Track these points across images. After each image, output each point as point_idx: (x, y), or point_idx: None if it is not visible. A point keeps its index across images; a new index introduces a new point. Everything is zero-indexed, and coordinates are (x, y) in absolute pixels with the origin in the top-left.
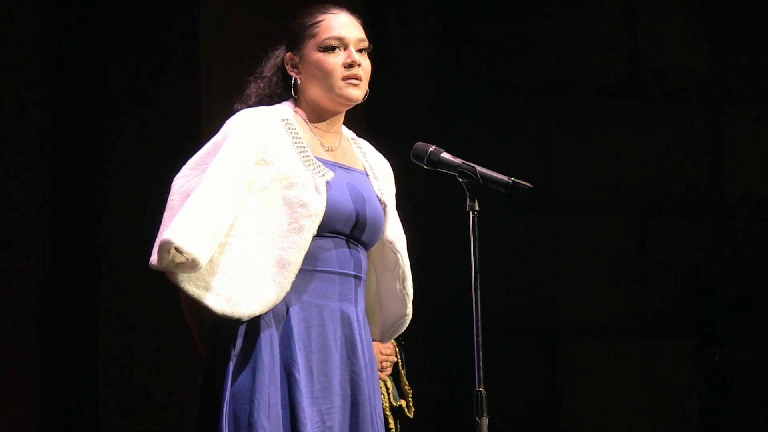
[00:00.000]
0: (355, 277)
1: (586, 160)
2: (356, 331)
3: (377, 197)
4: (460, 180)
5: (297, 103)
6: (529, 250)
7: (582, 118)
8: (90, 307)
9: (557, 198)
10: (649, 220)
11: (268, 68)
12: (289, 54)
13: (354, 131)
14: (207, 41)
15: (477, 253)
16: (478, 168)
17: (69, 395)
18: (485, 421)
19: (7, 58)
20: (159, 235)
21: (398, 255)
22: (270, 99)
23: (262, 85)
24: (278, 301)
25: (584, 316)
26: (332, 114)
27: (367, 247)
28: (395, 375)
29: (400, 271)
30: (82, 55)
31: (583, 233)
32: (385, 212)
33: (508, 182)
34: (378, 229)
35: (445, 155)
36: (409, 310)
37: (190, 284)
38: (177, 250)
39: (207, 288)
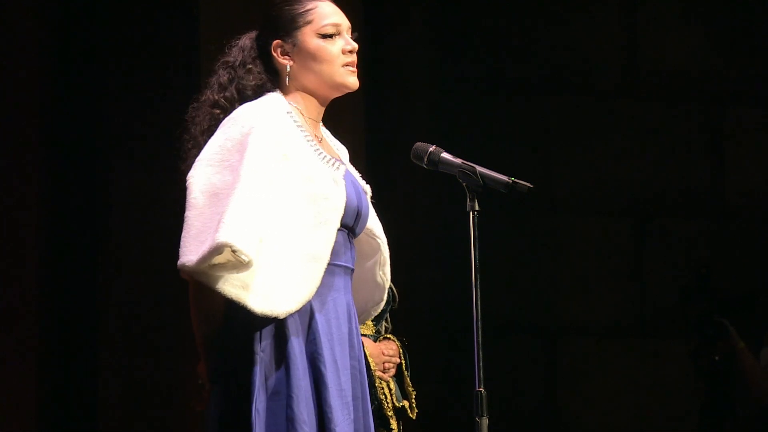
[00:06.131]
0: (351, 270)
1: (585, 160)
2: (355, 325)
3: (362, 186)
4: (460, 180)
5: (286, 93)
6: (528, 250)
7: (582, 118)
8: (90, 307)
9: (557, 198)
10: (649, 220)
11: (245, 57)
12: (278, 41)
13: (354, 131)
14: (207, 41)
15: (477, 253)
16: (478, 168)
17: (69, 395)
18: (485, 421)
19: (7, 57)
20: (189, 235)
21: (379, 241)
22: (247, 89)
23: (241, 74)
24: (311, 297)
25: (584, 316)
26: (324, 103)
27: (356, 237)
28: (399, 376)
29: (381, 257)
30: (81, 55)
31: (583, 233)
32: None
33: (508, 182)
34: (368, 218)
35: (445, 155)
36: (386, 296)
37: (226, 285)
38: (234, 251)
39: (245, 288)
